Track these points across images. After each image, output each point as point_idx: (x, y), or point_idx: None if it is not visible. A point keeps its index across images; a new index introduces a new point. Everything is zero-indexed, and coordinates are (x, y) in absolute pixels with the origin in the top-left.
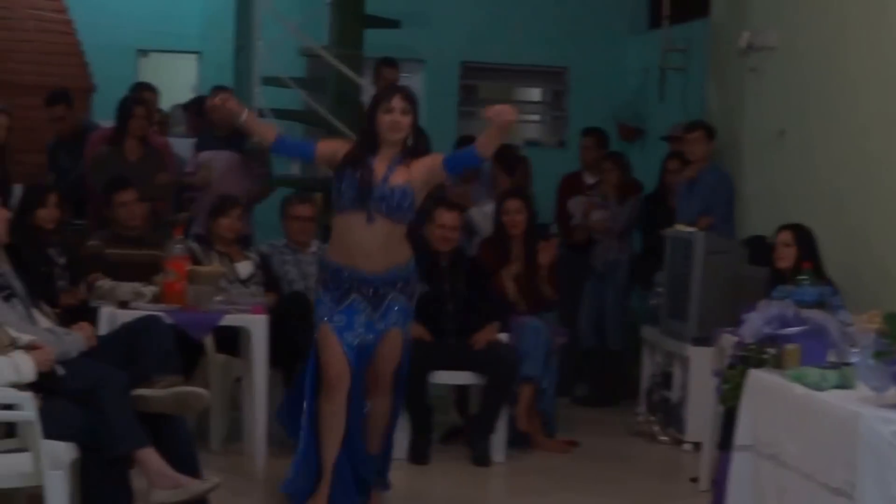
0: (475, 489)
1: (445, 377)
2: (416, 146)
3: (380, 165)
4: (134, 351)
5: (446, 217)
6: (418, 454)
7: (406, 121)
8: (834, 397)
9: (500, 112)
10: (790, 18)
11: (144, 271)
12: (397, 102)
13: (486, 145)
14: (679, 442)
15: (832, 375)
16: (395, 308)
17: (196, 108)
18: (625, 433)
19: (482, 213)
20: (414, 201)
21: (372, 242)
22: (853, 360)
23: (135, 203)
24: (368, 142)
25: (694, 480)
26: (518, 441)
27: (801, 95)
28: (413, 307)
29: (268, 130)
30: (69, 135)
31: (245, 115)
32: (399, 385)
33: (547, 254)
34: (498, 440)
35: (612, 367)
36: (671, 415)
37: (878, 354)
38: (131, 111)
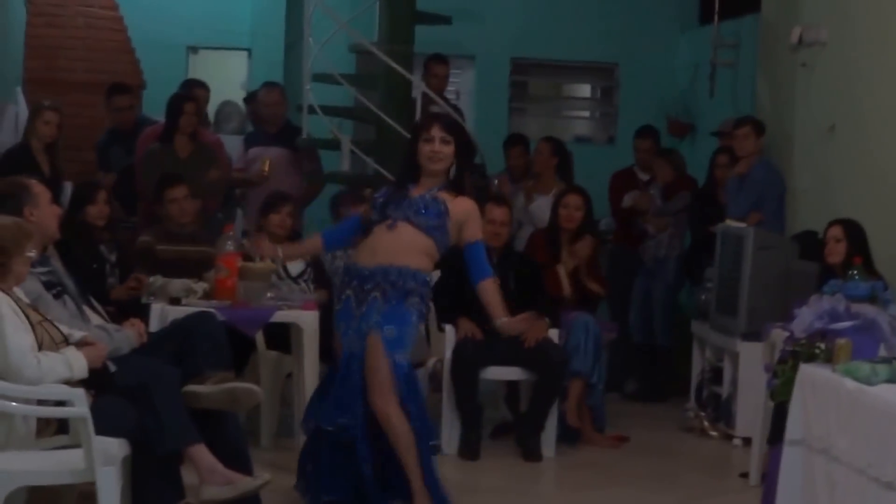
0: (525, 484)
1: (495, 373)
2: (460, 179)
3: (418, 191)
4: (185, 347)
5: (496, 212)
6: (468, 450)
7: (446, 150)
8: (885, 391)
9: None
10: (841, 13)
11: (195, 268)
12: (436, 132)
13: (493, 310)
14: (729, 437)
15: (883, 370)
16: (380, 309)
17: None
18: (675, 428)
19: (540, 208)
20: (445, 217)
21: (387, 243)
22: None
23: (185, 199)
24: (409, 171)
25: (744, 475)
26: (568, 436)
27: (852, 90)
28: (410, 319)
29: (311, 244)
30: (128, 128)
31: (281, 253)
32: (407, 402)
33: (583, 249)
34: (548, 435)
35: (661, 363)
36: (721, 410)
37: None
38: (181, 108)
